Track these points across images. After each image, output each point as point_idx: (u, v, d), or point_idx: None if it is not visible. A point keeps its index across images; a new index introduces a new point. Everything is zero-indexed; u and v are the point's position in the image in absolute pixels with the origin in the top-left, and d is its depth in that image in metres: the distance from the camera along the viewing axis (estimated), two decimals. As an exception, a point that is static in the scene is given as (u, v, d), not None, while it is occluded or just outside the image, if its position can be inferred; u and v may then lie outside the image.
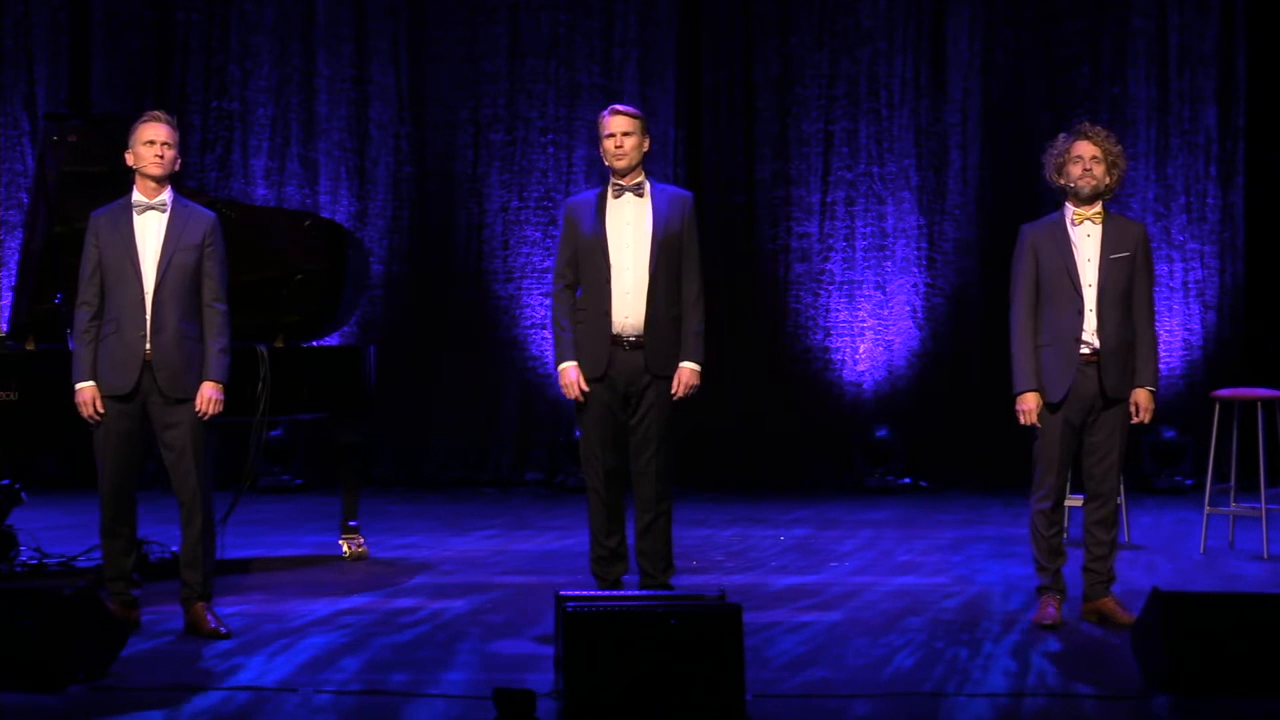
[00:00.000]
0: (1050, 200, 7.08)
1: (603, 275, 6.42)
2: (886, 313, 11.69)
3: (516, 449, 11.88)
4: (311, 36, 11.84)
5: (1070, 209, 6.40)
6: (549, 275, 11.25)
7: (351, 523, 8.11)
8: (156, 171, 6.20)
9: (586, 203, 6.56)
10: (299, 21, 11.84)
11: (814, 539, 8.99)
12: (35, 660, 5.24)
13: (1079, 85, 11.57)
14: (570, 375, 6.44)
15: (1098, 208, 6.39)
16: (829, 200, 11.75)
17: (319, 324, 8.26)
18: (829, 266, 11.72)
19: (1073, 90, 11.56)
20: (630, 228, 6.45)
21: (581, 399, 6.45)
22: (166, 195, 6.24)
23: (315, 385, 7.84)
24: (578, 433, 7.05)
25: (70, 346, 6.47)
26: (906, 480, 11.45)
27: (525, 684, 5.11)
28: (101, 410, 6.16)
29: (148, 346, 6.14)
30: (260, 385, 7.35)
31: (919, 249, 11.67)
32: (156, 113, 6.32)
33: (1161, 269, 11.27)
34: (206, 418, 6.18)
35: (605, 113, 6.53)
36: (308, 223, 8.68)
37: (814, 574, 7.75)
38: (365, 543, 8.15)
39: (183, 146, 6.36)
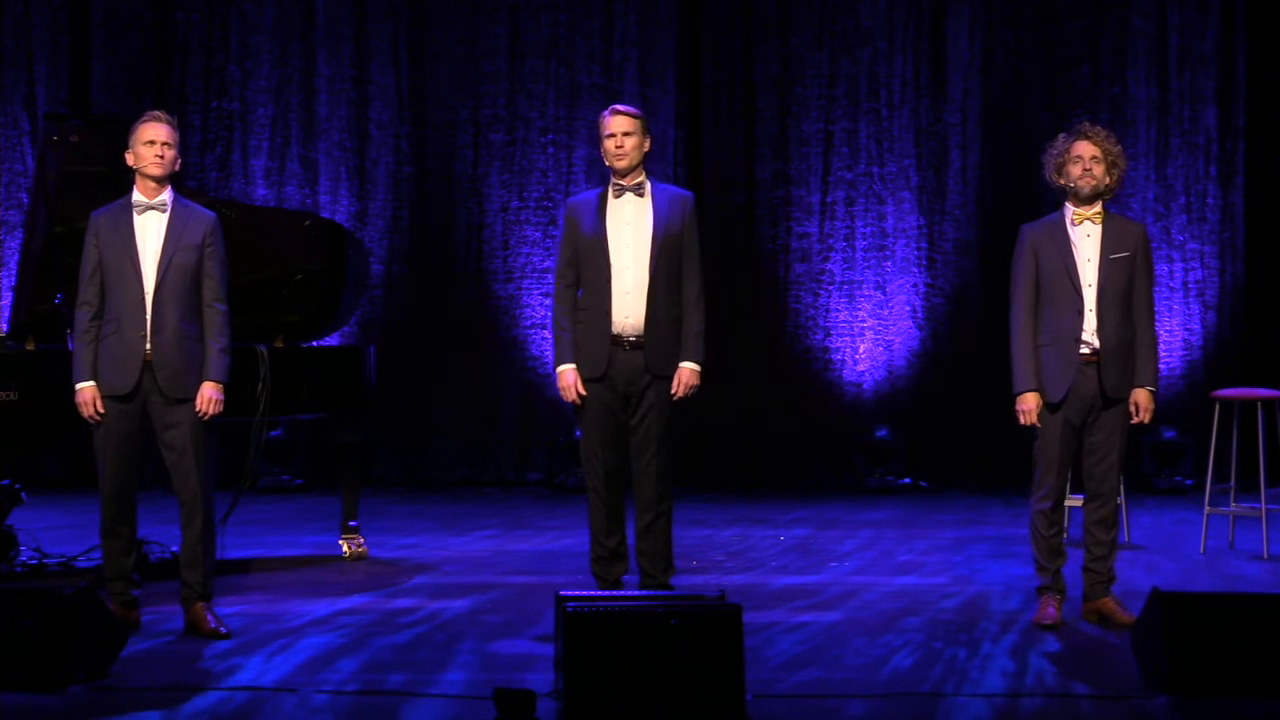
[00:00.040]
0: (1050, 200, 7.08)
1: (603, 275, 6.43)
2: (886, 313, 11.69)
3: (517, 449, 11.89)
4: (311, 36, 11.84)
5: (1070, 209, 6.40)
6: (549, 275, 11.28)
7: (351, 523, 8.11)
8: (157, 171, 6.20)
9: (587, 202, 6.56)
10: (299, 21, 11.84)
11: (814, 539, 8.99)
12: (35, 660, 5.24)
13: (1079, 85, 11.58)
14: (568, 378, 6.44)
15: (1098, 208, 6.39)
16: (829, 200, 11.75)
17: (319, 324, 8.26)
18: (829, 266, 11.72)
19: (1073, 90, 11.56)
20: (631, 228, 6.45)
21: (579, 402, 6.45)
22: (167, 195, 6.25)
23: (315, 385, 7.84)
24: (578, 433, 7.05)
25: (70, 346, 6.47)
26: (906, 480, 11.45)
27: (525, 684, 5.12)
28: (102, 410, 6.16)
29: (148, 346, 6.14)
30: (260, 385, 7.35)
31: (919, 249, 11.67)
32: (157, 113, 6.32)
33: (1161, 269, 11.27)
34: (207, 418, 6.18)
35: (606, 113, 6.53)
36: (308, 223, 8.68)
37: (814, 574, 7.74)
38: (365, 543, 8.15)
39: (183, 146, 6.36)
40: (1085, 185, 6.34)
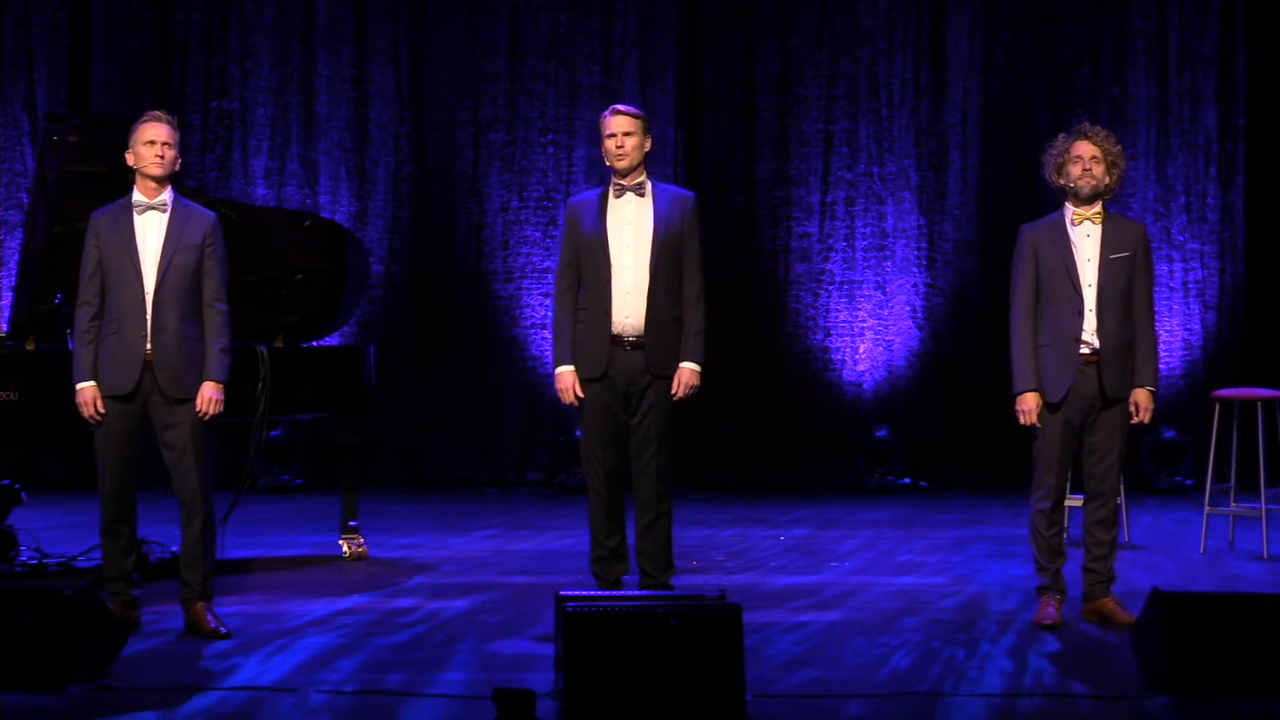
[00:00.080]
0: (1050, 200, 7.08)
1: (603, 275, 6.42)
2: (886, 313, 11.69)
3: (517, 449, 11.89)
4: (311, 36, 11.84)
5: (1070, 209, 6.40)
6: (549, 275, 11.29)
7: (351, 523, 8.11)
8: (157, 171, 6.20)
9: (588, 202, 6.56)
10: (299, 21, 11.84)
11: (814, 539, 8.99)
12: (35, 660, 5.24)
13: (1079, 85, 11.58)
14: (566, 380, 6.44)
15: (1097, 208, 6.39)
16: (829, 200, 11.75)
17: (319, 324, 8.26)
18: (829, 266, 11.72)
19: (1073, 90, 11.56)
20: (631, 227, 6.45)
21: (576, 404, 6.45)
22: (167, 195, 6.25)
23: (315, 385, 7.84)
24: (578, 433, 7.05)
25: (70, 346, 6.47)
26: (906, 480, 11.45)
27: (525, 684, 5.11)
28: (102, 410, 6.16)
29: (148, 346, 6.14)
30: (260, 385, 7.35)
31: (919, 249, 11.67)
32: (157, 113, 6.32)
33: (1161, 269, 11.27)
34: (207, 418, 6.18)
35: (606, 113, 6.53)
36: (308, 223, 8.68)
37: (814, 574, 7.75)
38: (365, 543, 8.15)
39: (183, 146, 6.36)
40: (1085, 185, 6.34)
